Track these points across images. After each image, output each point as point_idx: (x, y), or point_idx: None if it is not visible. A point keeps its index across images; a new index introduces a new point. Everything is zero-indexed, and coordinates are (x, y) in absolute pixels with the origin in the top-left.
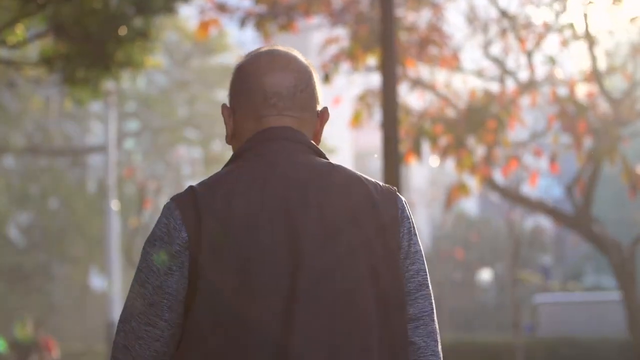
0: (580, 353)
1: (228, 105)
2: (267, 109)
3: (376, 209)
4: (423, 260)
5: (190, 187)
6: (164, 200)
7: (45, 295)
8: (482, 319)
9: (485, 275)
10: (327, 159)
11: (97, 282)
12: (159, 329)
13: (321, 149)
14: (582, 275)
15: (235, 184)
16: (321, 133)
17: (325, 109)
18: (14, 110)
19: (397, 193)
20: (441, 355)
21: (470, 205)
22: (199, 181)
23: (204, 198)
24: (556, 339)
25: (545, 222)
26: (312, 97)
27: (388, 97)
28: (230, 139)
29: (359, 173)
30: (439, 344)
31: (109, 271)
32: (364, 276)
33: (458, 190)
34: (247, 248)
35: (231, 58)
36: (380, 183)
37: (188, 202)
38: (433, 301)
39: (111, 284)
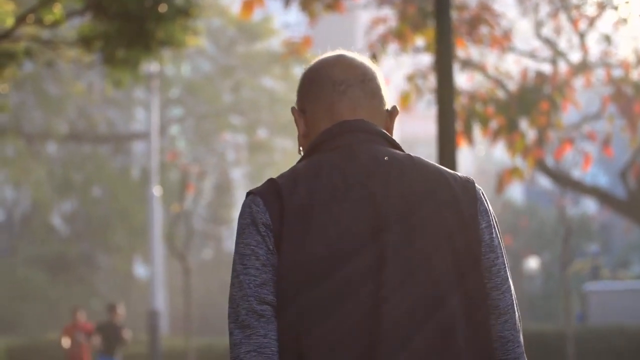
0: (630, 341)
1: (297, 107)
2: (337, 96)
3: (456, 201)
4: (504, 253)
5: (270, 179)
6: (207, 185)
7: (89, 284)
8: (529, 307)
9: (533, 263)
10: (403, 150)
11: (140, 271)
12: (272, 305)
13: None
14: (629, 265)
15: (315, 172)
16: (392, 130)
17: (394, 107)
18: (55, 96)
19: (475, 184)
20: (522, 344)
21: (516, 193)
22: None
23: (284, 185)
24: (606, 327)
25: (592, 211)
26: (380, 90)
27: (444, 78)
28: (302, 139)
29: (437, 164)
30: (521, 331)
31: (151, 259)
32: (447, 268)
33: (511, 173)
34: (330, 229)
35: (276, 43)
36: (459, 174)
37: (268, 190)
38: (513, 292)
39: (153, 272)
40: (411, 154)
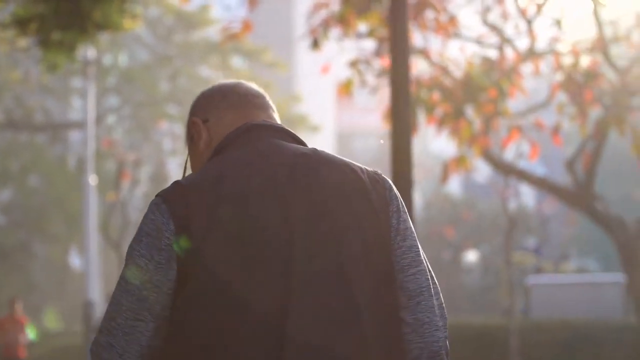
0: (574, 335)
1: (195, 119)
2: (243, 104)
3: (366, 190)
4: (415, 237)
5: (176, 181)
6: (143, 174)
7: (25, 274)
8: (469, 300)
9: (471, 256)
10: (307, 146)
11: (76, 261)
12: (146, 322)
13: (303, 128)
14: (567, 259)
15: (222, 171)
16: None
17: None
18: None
19: (383, 175)
20: (446, 329)
21: (454, 186)
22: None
23: (190, 188)
24: (550, 321)
25: (530, 205)
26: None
27: (398, 61)
28: (204, 147)
29: (343, 158)
30: (444, 318)
31: (86, 248)
32: (355, 254)
33: (457, 163)
34: (239, 229)
35: (214, 32)
36: (365, 167)
37: (175, 194)
38: (431, 277)
39: (88, 262)
40: (316, 148)
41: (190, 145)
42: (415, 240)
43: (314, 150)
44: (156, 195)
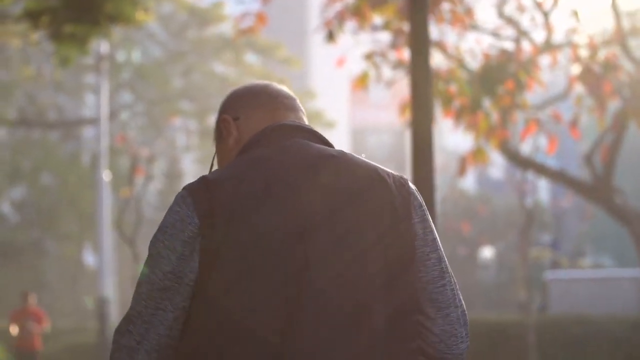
0: (590, 330)
1: (225, 117)
2: (273, 104)
3: (391, 196)
4: (440, 247)
5: (202, 176)
6: (157, 170)
7: (38, 272)
8: (484, 297)
9: (487, 252)
10: (333, 147)
11: (90, 259)
12: (166, 312)
13: (318, 124)
14: (583, 255)
15: (246, 169)
16: None
17: None
18: (4, 81)
19: (408, 181)
20: (468, 338)
21: (469, 182)
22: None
23: (215, 184)
24: (566, 317)
25: (545, 201)
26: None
27: (418, 52)
28: (234, 144)
29: (370, 161)
30: (467, 326)
31: (100, 245)
32: (376, 272)
33: (474, 156)
34: (256, 230)
35: (228, 28)
36: (392, 171)
37: (200, 189)
38: (455, 285)
39: (102, 259)
40: (343, 150)
41: (219, 141)
42: (441, 250)
43: (341, 152)
44: (183, 188)
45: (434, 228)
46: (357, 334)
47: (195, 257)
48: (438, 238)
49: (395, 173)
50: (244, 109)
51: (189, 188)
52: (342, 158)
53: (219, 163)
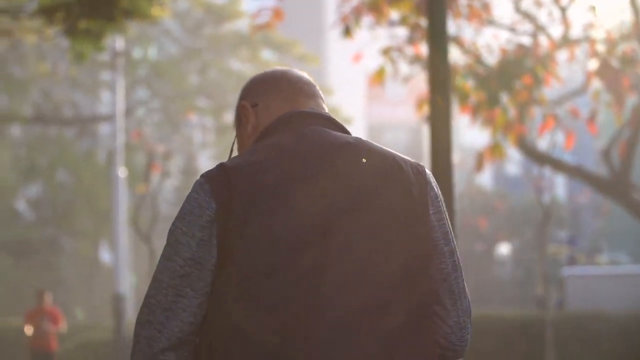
0: (607, 326)
1: (244, 103)
2: (293, 91)
3: (409, 183)
4: (453, 239)
5: (220, 163)
6: (173, 167)
7: (54, 270)
8: (498, 293)
9: (504, 249)
10: (351, 135)
11: (106, 256)
12: (188, 298)
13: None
14: (597, 252)
15: (265, 156)
16: None
17: None
18: (20, 78)
19: (426, 169)
20: (471, 328)
21: (485, 179)
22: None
23: (233, 170)
24: (584, 313)
25: (562, 197)
26: (323, 99)
27: (436, 48)
28: (252, 131)
29: (387, 148)
30: (471, 316)
31: (116, 241)
32: (393, 250)
33: (491, 151)
34: (277, 217)
35: (244, 25)
36: (408, 158)
37: (218, 176)
38: (463, 277)
39: (118, 256)
40: (360, 138)
41: (238, 128)
42: (454, 242)
43: (358, 140)
44: (200, 176)
45: (448, 219)
46: (374, 332)
47: (213, 241)
48: (451, 229)
49: (412, 160)
50: (262, 96)
51: (207, 175)
52: (359, 145)
53: (239, 149)
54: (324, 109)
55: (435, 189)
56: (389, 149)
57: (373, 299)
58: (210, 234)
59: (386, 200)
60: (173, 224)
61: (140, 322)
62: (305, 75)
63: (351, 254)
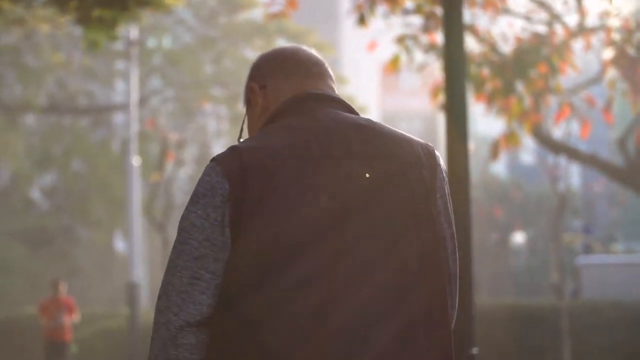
0: (622, 315)
1: (252, 85)
2: (302, 72)
3: (420, 164)
4: (453, 223)
5: (232, 146)
6: (187, 156)
7: (69, 258)
8: (513, 282)
9: (519, 238)
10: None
11: (120, 244)
12: (204, 280)
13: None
14: (613, 241)
15: (277, 138)
16: None
17: None
18: (34, 68)
19: (435, 150)
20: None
21: (500, 168)
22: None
23: (246, 152)
24: (599, 301)
25: (576, 186)
26: (333, 79)
27: (452, 35)
28: (261, 112)
29: (397, 129)
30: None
31: (130, 230)
32: (407, 228)
33: (507, 139)
34: (294, 198)
35: (259, 14)
36: (419, 139)
37: (230, 158)
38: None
39: (132, 244)
40: (371, 119)
41: (248, 109)
42: (454, 225)
43: (369, 121)
44: (211, 160)
45: (450, 202)
46: (394, 319)
47: (226, 221)
48: (452, 213)
49: (422, 141)
50: (271, 77)
51: (219, 157)
52: (371, 126)
53: (249, 130)
54: (333, 88)
55: (443, 172)
56: (399, 130)
57: (391, 285)
58: (223, 214)
59: (400, 182)
60: (186, 209)
61: (158, 309)
62: (314, 53)
63: (369, 237)
